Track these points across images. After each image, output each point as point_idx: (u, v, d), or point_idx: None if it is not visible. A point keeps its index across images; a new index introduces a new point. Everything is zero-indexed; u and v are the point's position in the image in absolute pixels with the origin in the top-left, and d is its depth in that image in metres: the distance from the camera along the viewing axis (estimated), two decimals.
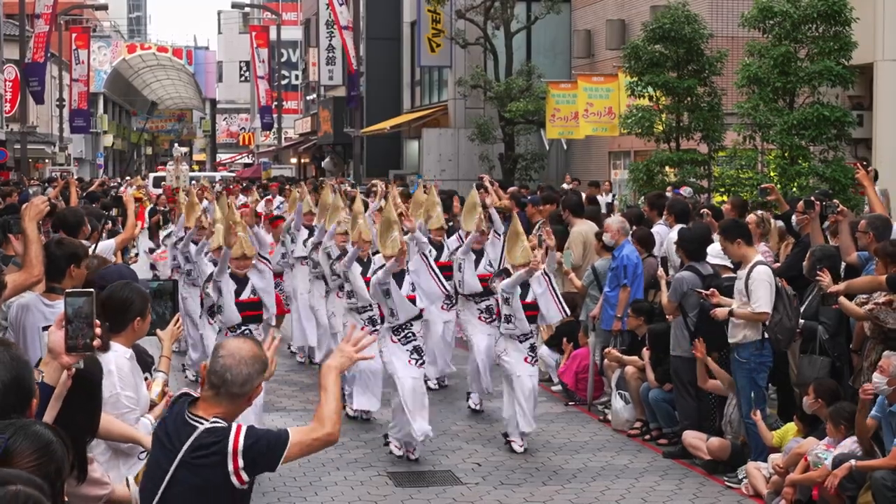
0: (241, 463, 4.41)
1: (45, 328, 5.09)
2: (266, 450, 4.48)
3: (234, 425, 4.49)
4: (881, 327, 8.95)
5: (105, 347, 5.82)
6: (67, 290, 4.44)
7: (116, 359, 5.83)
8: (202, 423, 4.48)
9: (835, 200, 11.10)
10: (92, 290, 4.50)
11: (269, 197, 20.32)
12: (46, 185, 29.75)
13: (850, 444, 8.64)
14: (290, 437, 4.51)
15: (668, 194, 16.57)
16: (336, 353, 4.80)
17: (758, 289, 9.65)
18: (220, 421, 4.50)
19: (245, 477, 4.45)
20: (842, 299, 9.24)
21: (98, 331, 4.34)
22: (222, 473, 4.42)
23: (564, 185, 21.81)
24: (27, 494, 2.98)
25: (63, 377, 4.33)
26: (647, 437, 11.51)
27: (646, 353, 11.55)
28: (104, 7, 58.51)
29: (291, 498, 9.56)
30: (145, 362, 6.24)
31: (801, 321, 10.00)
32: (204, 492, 4.46)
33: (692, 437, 10.57)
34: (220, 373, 4.49)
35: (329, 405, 4.59)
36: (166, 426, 4.60)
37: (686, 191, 18.02)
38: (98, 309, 5.85)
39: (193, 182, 31.96)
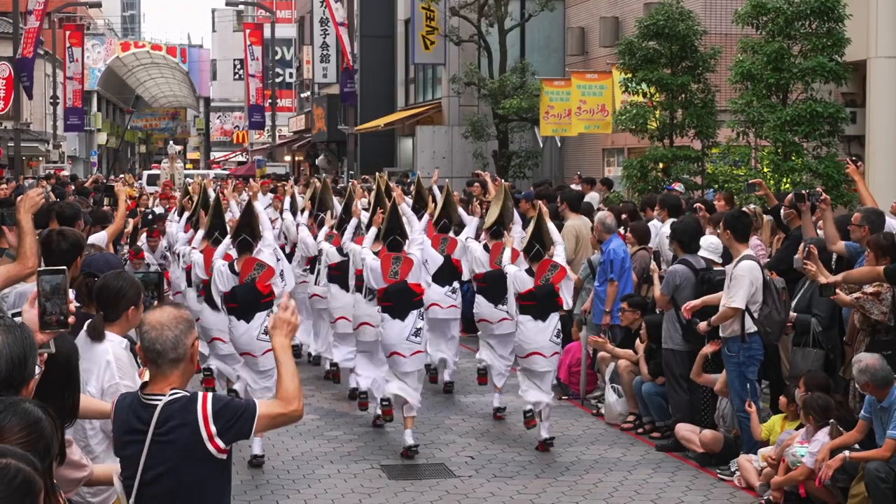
0: (213, 428, 4.44)
1: None
2: (238, 414, 4.51)
3: (200, 394, 4.54)
4: (867, 317, 9.01)
5: (100, 337, 5.86)
6: (41, 269, 4.48)
7: (113, 348, 5.85)
8: (160, 399, 4.51)
9: (818, 189, 11.15)
10: (64, 267, 4.55)
11: (278, 195, 20.28)
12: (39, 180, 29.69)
13: (822, 436, 8.68)
14: (258, 409, 4.56)
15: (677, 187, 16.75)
16: (277, 325, 4.71)
17: (735, 284, 9.70)
18: (178, 391, 4.54)
19: (221, 444, 4.46)
20: (839, 292, 9.25)
21: (72, 307, 4.39)
22: (196, 441, 4.44)
23: (574, 186, 21.83)
24: (17, 468, 2.99)
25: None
26: (640, 430, 11.54)
27: (640, 345, 11.57)
28: (98, 5, 58.33)
29: (285, 490, 9.58)
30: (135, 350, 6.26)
31: (794, 314, 10.04)
32: (180, 466, 4.47)
33: (685, 430, 10.60)
34: (151, 347, 4.54)
35: (292, 382, 4.64)
36: (125, 421, 4.59)
37: (679, 186, 18.06)
38: (91, 297, 5.88)
39: (189, 180, 31.89)
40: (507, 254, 11.50)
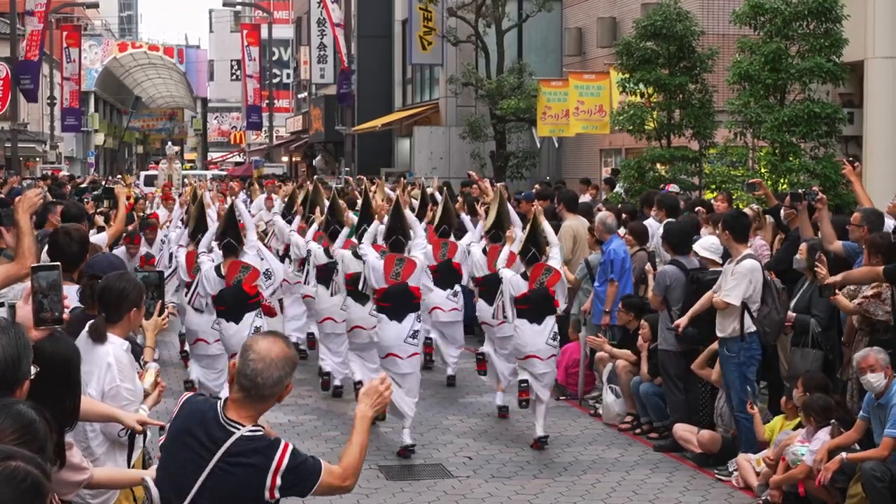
0: (279, 482, 4.35)
1: None
2: (304, 476, 4.43)
3: (282, 443, 4.42)
4: (869, 319, 9.01)
5: (102, 338, 5.85)
6: (36, 265, 4.47)
7: (115, 351, 5.84)
8: (238, 429, 4.39)
9: (814, 188, 11.16)
10: (59, 263, 4.53)
11: (269, 195, 20.30)
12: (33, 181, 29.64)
13: (823, 436, 8.69)
14: (322, 475, 4.46)
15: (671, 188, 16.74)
16: (368, 393, 4.66)
17: (734, 280, 9.71)
18: (259, 429, 4.42)
19: (277, 495, 4.39)
20: (838, 295, 9.23)
21: (67, 303, 4.36)
22: (258, 486, 4.35)
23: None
24: (27, 471, 2.97)
25: None
26: (638, 430, 11.54)
27: (643, 344, 11.53)
28: (95, 5, 58.36)
29: None
30: (136, 352, 6.25)
31: (794, 314, 10.04)
32: (234, 499, 4.39)
33: (683, 431, 10.60)
34: (251, 376, 4.37)
35: (359, 456, 4.58)
36: (191, 428, 4.44)
37: (673, 188, 18.04)
38: (94, 299, 5.86)
39: (185, 179, 31.89)
40: (503, 256, 11.52)
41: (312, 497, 4.56)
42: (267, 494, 4.37)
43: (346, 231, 12.43)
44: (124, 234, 14.29)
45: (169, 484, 4.50)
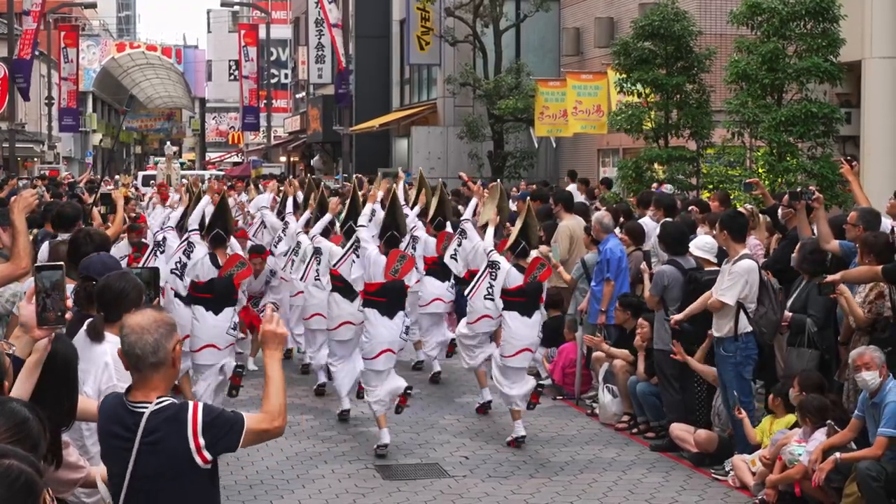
0: (202, 441, 4.38)
1: None
2: (227, 429, 4.45)
3: (191, 404, 4.47)
4: (874, 319, 9.04)
5: (100, 337, 5.84)
6: (40, 265, 4.47)
7: (112, 350, 5.82)
8: (146, 407, 4.43)
9: (811, 187, 11.17)
10: (62, 263, 4.53)
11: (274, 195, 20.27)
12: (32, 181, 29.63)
13: (820, 436, 8.69)
14: (246, 424, 4.50)
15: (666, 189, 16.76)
16: (267, 339, 4.71)
17: (730, 280, 9.71)
18: (165, 399, 4.47)
19: (208, 456, 4.41)
20: (848, 299, 9.20)
21: (69, 303, 4.38)
22: (183, 452, 4.38)
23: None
24: (20, 469, 2.97)
25: (44, 343, 4.36)
26: (635, 430, 11.54)
27: (641, 344, 11.52)
28: (93, 5, 58.28)
29: (279, 490, 9.57)
30: None
31: (790, 314, 10.04)
32: (168, 476, 4.42)
33: (679, 430, 10.60)
34: (130, 351, 4.44)
35: (278, 398, 4.62)
36: (108, 427, 4.51)
37: (667, 188, 18.05)
38: (90, 300, 5.86)
39: (184, 179, 31.85)
40: (489, 234, 11.59)
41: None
42: (197, 459, 4.40)
43: (327, 217, 12.73)
44: (130, 254, 14.31)
45: (113, 480, 4.55)
